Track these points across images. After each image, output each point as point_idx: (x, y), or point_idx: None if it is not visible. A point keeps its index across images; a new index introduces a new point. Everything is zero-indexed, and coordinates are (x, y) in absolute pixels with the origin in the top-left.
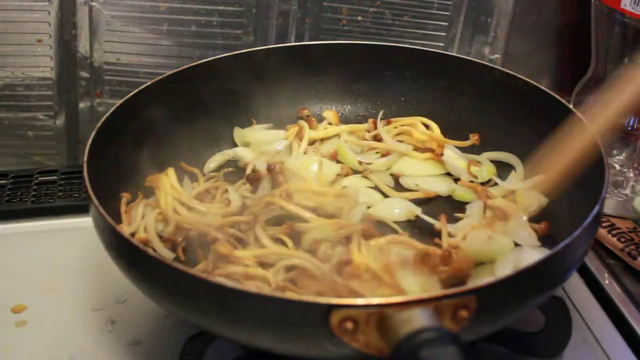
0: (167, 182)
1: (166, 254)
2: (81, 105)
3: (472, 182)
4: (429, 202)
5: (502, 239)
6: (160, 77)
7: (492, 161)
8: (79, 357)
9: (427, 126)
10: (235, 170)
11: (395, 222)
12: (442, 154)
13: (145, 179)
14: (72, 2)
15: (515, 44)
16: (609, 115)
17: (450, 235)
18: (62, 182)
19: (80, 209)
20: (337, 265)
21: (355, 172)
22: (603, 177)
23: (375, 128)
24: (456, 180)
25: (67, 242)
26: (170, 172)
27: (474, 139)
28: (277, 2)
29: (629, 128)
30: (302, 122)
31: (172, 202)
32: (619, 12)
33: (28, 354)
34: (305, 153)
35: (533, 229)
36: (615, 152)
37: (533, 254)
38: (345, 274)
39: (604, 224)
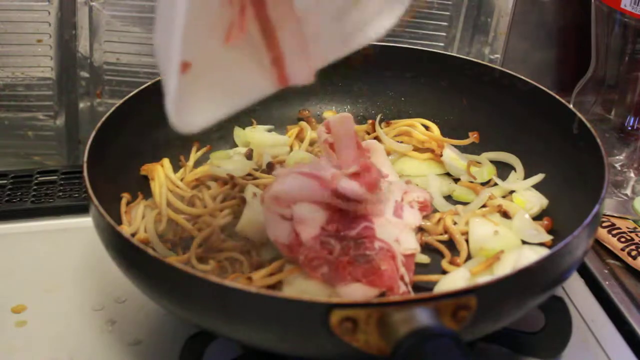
0: (162, 172)
1: (166, 253)
2: (81, 105)
3: (471, 182)
4: None
5: (509, 234)
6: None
7: (492, 161)
8: (79, 357)
9: (426, 127)
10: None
11: None
12: (441, 155)
13: (145, 179)
14: (72, 2)
15: (515, 44)
16: None
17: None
18: (62, 182)
19: (80, 209)
20: None
21: None
22: (603, 177)
23: (374, 129)
24: (456, 180)
25: (67, 242)
26: (166, 162)
27: (473, 137)
28: None
29: (629, 128)
30: (303, 124)
31: (166, 194)
32: (619, 12)
33: (28, 354)
34: None
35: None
36: (615, 152)
37: (533, 254)
38: None
39: (604, 224)
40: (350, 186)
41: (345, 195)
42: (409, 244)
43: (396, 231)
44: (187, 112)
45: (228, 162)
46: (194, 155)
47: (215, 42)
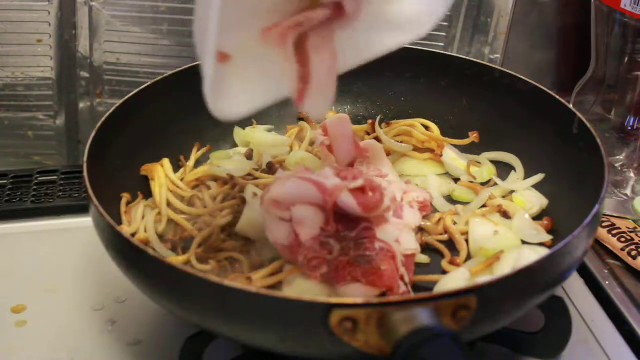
0: (163, 172)
1: (166, 253)
2: (81, 105)
3: (471, 182)
4: None
5: (509, 234)
6: (160, 77)
7: (492, 161)
8: (79, 357)
9: (426, 127)
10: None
11: None
12: (441, 155)
13: (145, 179)
14: (72, 2)
15: (515, 44)
16: None
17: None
18: (62, 182)
19: (80, 209)
20: None
21: None
22: (603, 177)
23: (374, 129)
24: (456, 180)
25: (67, 242)
26: (166, 162)
27: (473, 136)
28: None
29: (629, 128)
30: (303, 123)
31: (166, 194)
32: (619, 12)
33: (28, 354)
34: None
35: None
36: (615, 152)
37: (532, 254)
38: None
39: (604, 224)
40: (350, 203)
41: (343, 209)
42: (409, 244)
43: (396, 231)
44: (225, 101)
45: (228, 162)
46: (195, 155)
47: (251, 36)
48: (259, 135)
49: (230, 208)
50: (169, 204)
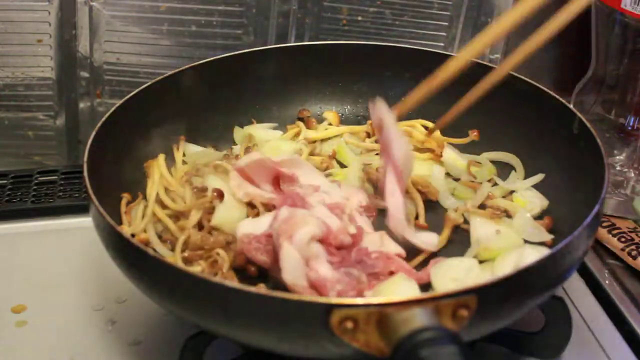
0: (157, 170)
1: (166, 254)
2: (81, 105)
3: (472, 182)
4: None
5: (511, 233)
6: (160, 77)
7: (492, 161)
8: (79, 357)
9: (426, 127)
10: None
11: None
12: (441, 155)
13: (144, 180)
14: (72, 2)
15: (516, 44)
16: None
17: None
18: (62, 182)
19: (80, 209)
20: None
21: None
22: (603, 177)
23: (374, 131)
24: (456, 180)
25: (67, 242)
26: (161, 158)
27: (473, 135)
28: (277, 2)
29: (629, 128)
30: (299, 123)
31: (158, 189)
32: (619, 12)
33: (28, 354)
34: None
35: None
36: (615, 152)
37: (533, 254)
38: None
39: (604, 224)
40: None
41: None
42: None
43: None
44: None
45: (197, 154)
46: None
47: None
48: (259, 133)
49: (201, 205)
50: (164, 206)
